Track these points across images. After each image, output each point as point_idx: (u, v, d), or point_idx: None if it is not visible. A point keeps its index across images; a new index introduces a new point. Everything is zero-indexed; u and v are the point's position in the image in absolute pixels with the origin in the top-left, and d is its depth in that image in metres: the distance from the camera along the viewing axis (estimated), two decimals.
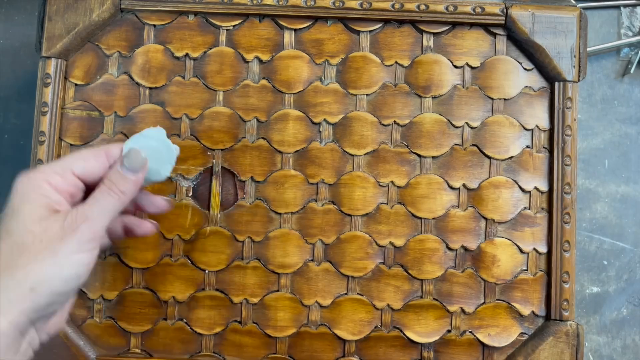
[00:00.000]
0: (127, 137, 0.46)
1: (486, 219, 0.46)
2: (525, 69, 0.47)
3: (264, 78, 0.47)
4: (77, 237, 0.34)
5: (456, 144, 0.46)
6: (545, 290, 0.45)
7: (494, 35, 0.47)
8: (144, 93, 0.46)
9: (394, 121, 0.46)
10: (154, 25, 0.47)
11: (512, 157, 0.46)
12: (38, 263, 0.33)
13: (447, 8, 0.46)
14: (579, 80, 0.46)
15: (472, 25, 0.47)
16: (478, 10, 0.46)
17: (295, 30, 0.47)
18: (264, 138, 0.46)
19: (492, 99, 0.47)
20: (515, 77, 0.47)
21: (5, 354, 0.32)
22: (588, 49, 0.54)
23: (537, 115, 0.47)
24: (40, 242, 0.33)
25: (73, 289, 0.34)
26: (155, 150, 0.37)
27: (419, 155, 0.46)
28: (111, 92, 0.46)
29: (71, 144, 0.46)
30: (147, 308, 0.45)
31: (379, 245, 0.45)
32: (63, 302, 0.35)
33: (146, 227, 0.41)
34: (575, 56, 0.46)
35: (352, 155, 0.46)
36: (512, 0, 0.47)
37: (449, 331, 0.45)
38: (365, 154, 0.46)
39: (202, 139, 0.46)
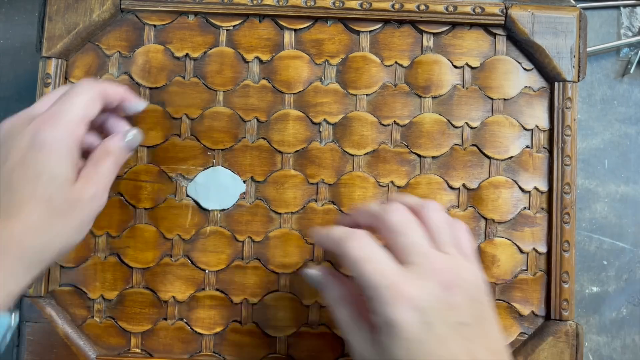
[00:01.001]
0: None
1: (486, 219, 0.46)
2: (525, 69, 0.47)
3: (264, 78, 0.47)
4: (93, 213, 0.36)
5: (456, 144, 0.46)
6: (545, 290, 0.46)
7: (494, 35, 0.47)
8: (144, 93, 0.46)
9: (394, 121, 0.46)
10: (154, 26, 0.47)
11: (511, 157, 0.46)
12: (70, 231, 0.34)
13: (447, 8, 0.46)
14: (578, 80, 0.46)
15: (472, 25, 0.47)
16: (478, 10, 0.46)
17: (295, 30, 0.47)
18: (264, 138, 0.46)
19: (492, 99, 0.47)
20: (515, 77, 0.47)
21: None
22: (588, 49, 0.54)
23: (537, 115, 0.47)
24: (73, 212, 0.34)
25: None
26: (223, 185, 0.45)
27: (419, 155, 0.46)
28: None
29: None
30: (147, 308, 0.45)
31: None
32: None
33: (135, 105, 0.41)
34: (575, 56, 0.46)
35: (352, 155, 0.46)
36: (511, 1, 0.47)
37: None
38: (365, 154, 0.46)
39: (202, 139, 0.46)
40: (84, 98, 0.36)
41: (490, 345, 0.32)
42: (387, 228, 0.34)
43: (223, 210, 0.46)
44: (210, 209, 0.45)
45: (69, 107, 0.35)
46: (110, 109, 0.40)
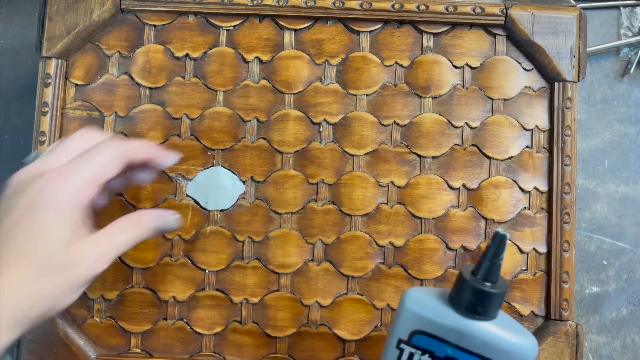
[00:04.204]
0: (128, 137, 0.46)
1: (486, 219, 0.46)
2: (525, 69, 0.47)
3: (264, 78, 0.47)
4: (95, 278, 0.35)
5: (456, 144, 0.46)
6: (545, 290, 0.46)
7: (494, 35, 0.47)
8: (144, 93, 0.46)
9: (394, 121, 0.46)
10: (154, 26, 0.47)
11: (511, 157, 0.46)
12: (63, 292, 0.33)
13: (446, 8, 0.46)
14: (578, 80, 0.46)
15: (471, 25, 0.47)
16: (478, 10, 0.46)
17: (295, 30, 0.47)
18: (264, 138, 0.46)
19: (492, 99, 0.47)
20: (515, 77, 0.47)
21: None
22: (588, 49, 0.54)
23: (537, 116, 0.47)
24: (70, 274, 0.33)
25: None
26: (222, 186, 0.45)
27: (419, 156, 0.46)
28: (111, 92, 0.46)
29: None
30: (148, 308, 0.45)
31: (378, 245, 0.46)
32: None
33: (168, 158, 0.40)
34: (574, 56, 0.46)
35: (352, 155, 0.46)
36: (511, 1, 0.47)
37: None
38: (365, 154, 0.46)
39: (202, 139, 0.46)
40: (103, 158, 0.35)
41: None
42: None
43: (223, 210, 0.46)
44: (209, 209, 0.45)
45: (84, 166, 0.35)
46: (136, 166, 0.39)
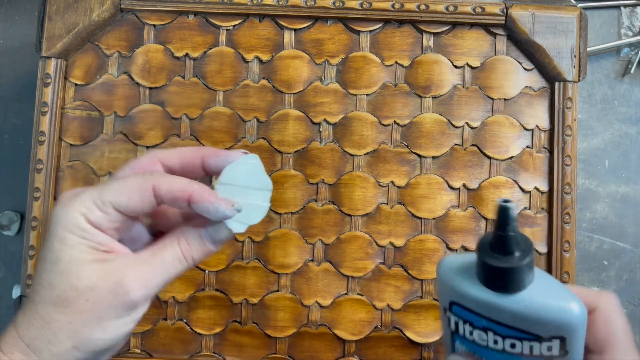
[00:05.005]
0: (127, 137, 0.46)
1: (486, 219, 0.46)
2: (525, 69, 0.47)
3: (264, 78, 0.47)
4: (128, 305, 0.29)
5: (456, 144, 0.46)
6: None
7: (494, 35, 0.47)
8: (144, 93, 0.46)
9: (394, 121, 0.46)
10: (154, 25, 0.47)
11: (512, 157, 0.46)
12: (81, 326, 0.29)
13: (447, 8, 0.46)
14: (579, 80, 0.46)
15: (472, 25, 0.47)
16: (478, 10, 0.46)
17: (295, 30, 0.47)
18: (264, 138, 0.46)
19: (492, 99, 0.47)
20: (516, 77, 0.47)
21: None
22: (588, 49, 0.54)
23: (537, 116, 0.47)
24: (85, 302, 0.28)
25: (119, 345, 0.31)
26: (247, 192, 0.32)
27: (419, 155, 0.46)
28: (111, 92, 0.46)
29: (71, 144, 0.46)
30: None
31: (379, 245, 0.45)
32: (108, 353, 0.31)
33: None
34: (575, 56, 0.46)
35: (352, 155, 0.46)
36: (512, 0, 0.47)
37: None
38: (365, 154, 0.46)
39: (202, 139, 0.46)
40: (123, 184, 0.30)
41: None
42: None
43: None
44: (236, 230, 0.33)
45: (99, 188, 0.30)
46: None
